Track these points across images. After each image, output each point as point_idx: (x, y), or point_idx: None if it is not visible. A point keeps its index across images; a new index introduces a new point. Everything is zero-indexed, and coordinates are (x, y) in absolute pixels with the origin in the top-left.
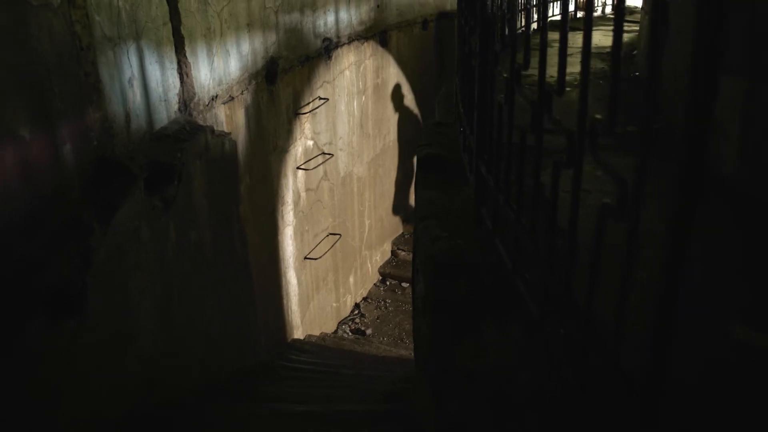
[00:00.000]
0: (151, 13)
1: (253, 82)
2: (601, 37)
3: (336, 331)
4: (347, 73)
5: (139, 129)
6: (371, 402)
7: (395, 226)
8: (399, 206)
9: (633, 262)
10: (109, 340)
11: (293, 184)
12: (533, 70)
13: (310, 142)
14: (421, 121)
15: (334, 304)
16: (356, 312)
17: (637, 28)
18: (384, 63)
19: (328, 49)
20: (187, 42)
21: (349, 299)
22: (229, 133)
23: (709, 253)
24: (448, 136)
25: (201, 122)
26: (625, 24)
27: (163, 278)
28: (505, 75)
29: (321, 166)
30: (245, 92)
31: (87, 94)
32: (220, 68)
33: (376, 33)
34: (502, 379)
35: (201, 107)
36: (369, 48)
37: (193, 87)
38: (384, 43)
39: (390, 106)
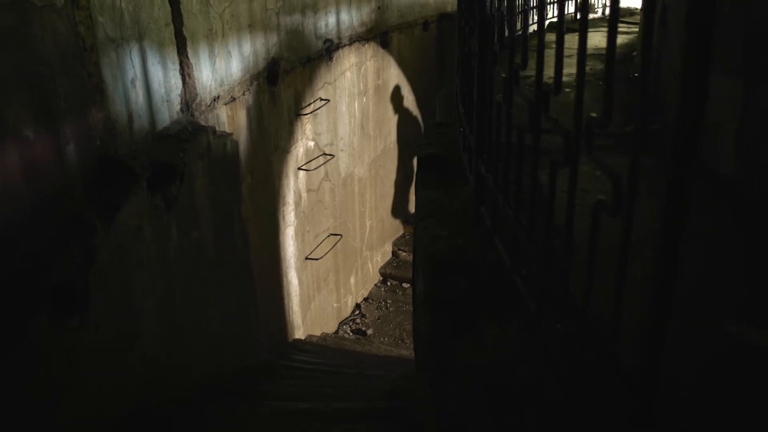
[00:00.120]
0: (154, 14)
1: (255, 83)
2: (601, 39)
3: (337, 332)
4: (348, 74)
5: (141, 129)
6: (372, 400)
7: (396, 226)
8: (400, 207)
9: (627, 256)
10: (111, 339)
11: (294, 184)
12: (532, 71)
13: (312, 143)
14: (422, 122)
15: (335, 305)
16: (357, 312)
17: (637, 29)
18: (385, 64)
19: (329, 50)
20: (189, 43)
21: (350, 300)
22: (231, 134)
23: (708, 253)
24: (448, 137)
25: (203, 123)
26: (625, 25)
27: (165, 277)
28: (503, 75)
29: (322, 167)
30: (247, 93)
31: (90, 94)
32: (222, 69)
33: (377, 34)
34: (500, 372)
35: (203, 108)
36: (370, 49)
37: (195, 88)
38: (385, 44)
39: (391, 107)
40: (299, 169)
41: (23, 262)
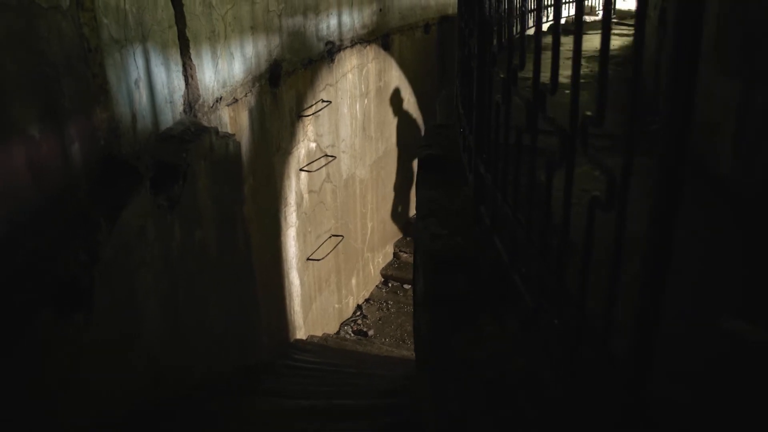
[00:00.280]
0: (157, 16)
1: (257, 84)
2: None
3: (338, 332)
4: (350, 76)
5: (145, 129)
6: (373, 398)
7: (397, 228)
8: (401, 208)
9: (621, 247)
10: (115, 338)
11: (296, 185)
12: (530, 72)
13: (313, 145)
14: (423, 123)
15: (337, 305)
16: (358, 313)
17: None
18: (386, 66)
19: (330, 52)
20: (192, 45)
21: (351, 300)
22: (233, 135)
23: (708, 253)
24: (449, 137)
25: (205, 124)
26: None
27: (168, 277)
28: (502, 76)
29: (324, 168)
30: (249, 94)
31: (94, 94)
32: (225, 71)
33: (379, 36)
34: (498, 365)
35: (205, 109)
36: (371, 51)
37: (197, 89)
38: (386, 46)
39: (392, 109)
40: (301, 170)
41: (29, 260)
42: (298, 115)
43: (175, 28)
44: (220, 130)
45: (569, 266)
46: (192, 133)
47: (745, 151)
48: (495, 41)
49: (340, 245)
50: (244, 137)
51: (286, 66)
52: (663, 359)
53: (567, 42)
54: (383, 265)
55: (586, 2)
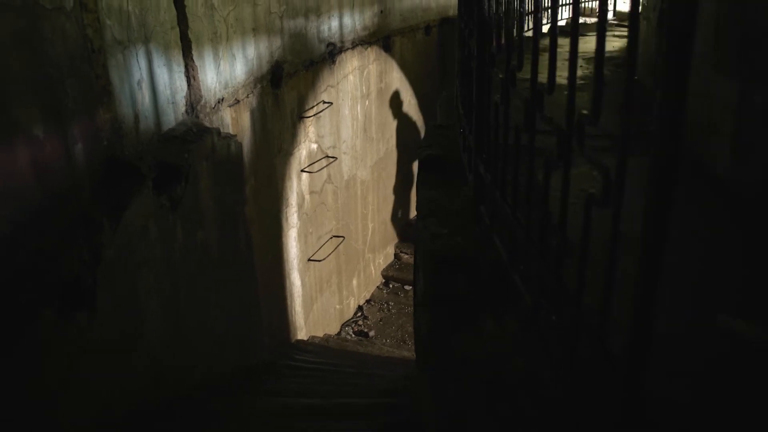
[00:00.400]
0: (160, 17)
1: (259, 85)
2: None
3: (339, 333)
4: (351, 77)
5: (147, 130)
6: (373, 397)
7: (398, 229)
8: (402, 209)
9: (617, 245)
10: (117, 336)
11: (297, 186)
12: (529, 73)
13: (314, 146)
14: (424, 125)
15: (338, 306)
16: (359, 314)
17: None
18: (387, 68)
19: (332, 53)
20: (194, 46)
21: (352, 301)
22: (235, 136)
23: (708, 252)
24: (449, 138)
25: (207, 124)
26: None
27: (170, 277)
28: (501, 76)
29: (325, 170)
30: (251, 96)
31: (98, 95)
32: (227, 72)
33: (380, 38)
34: (498, 365)
35: (207, 110)
36: (372, 53)
37: (200, 90)
38: (387, 48)
39: (392, 110)
40: (302, 171)
41: (31, 260)
42: (300, 116)
43: (178, 29)
44: (222, 131)
45: (568, 265)
46: (194, 134)
47: (744, 151)
48: (494, 42)
49: (341, 246)
50: (246, 138)
51: (287, 67)
52: (663, 359)
53: (566, 44)
54: (384, 266)
55: (586, 4)
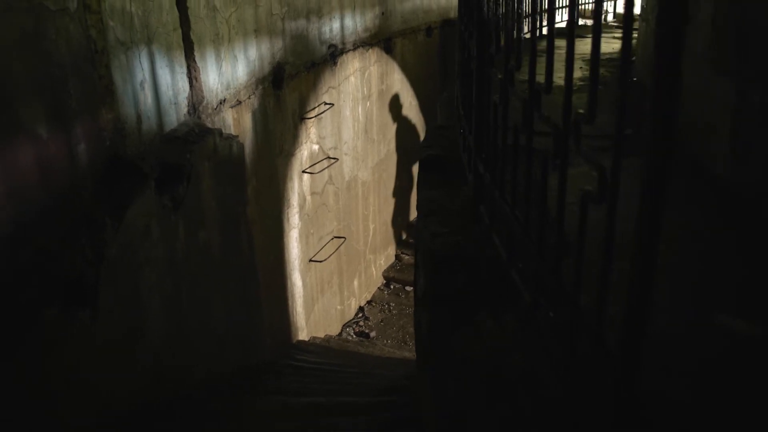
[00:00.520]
0: (162, 18)
1: (260, 86)
2: (602, 44)
3: (340, 334)
4: (352, 79)
5: (150, 130)
6: (374, 395)
7: (399, 230)
8: (403, 210)
9: (613, 240)
10: (119, 335)
11: (299, 187)
12: (527, 74)
13: (316, 147)
14: (425, 126)
15: (339, 307)
16: (360, 315)
17: (635, 34)
18: (388, 69)
19: (333, 55)
20: (196, 47)
21: (353, 302)
22: (237, 136)
23: (708, 252)
24: (449, 138)
25: (209, 125)
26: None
27: (172, 276)
28: (500, 77)
29: (326, 170)
30: (252, 96)
31: (101, 96)
32: (228, 73)
33: (381, 40)
34: (497, 363)
35: (209, 110)
36: (374, 54)
37: (201, 91)
38: (388, 49)
39: (393, 112)
40: (303, 172)
41: (35, 258)
42: (301, 117)
43: (180, 30)
44: (223, 131)
45: (567, 264)
46: (196, 135)
47: (743, 151)
48: (493, 43)
49: (342, 247)
50: (248, 139)
51: (289, 69)
52: (661, 358)
53: (564, 45)
54: (385, 267)
55: (585, 6)
